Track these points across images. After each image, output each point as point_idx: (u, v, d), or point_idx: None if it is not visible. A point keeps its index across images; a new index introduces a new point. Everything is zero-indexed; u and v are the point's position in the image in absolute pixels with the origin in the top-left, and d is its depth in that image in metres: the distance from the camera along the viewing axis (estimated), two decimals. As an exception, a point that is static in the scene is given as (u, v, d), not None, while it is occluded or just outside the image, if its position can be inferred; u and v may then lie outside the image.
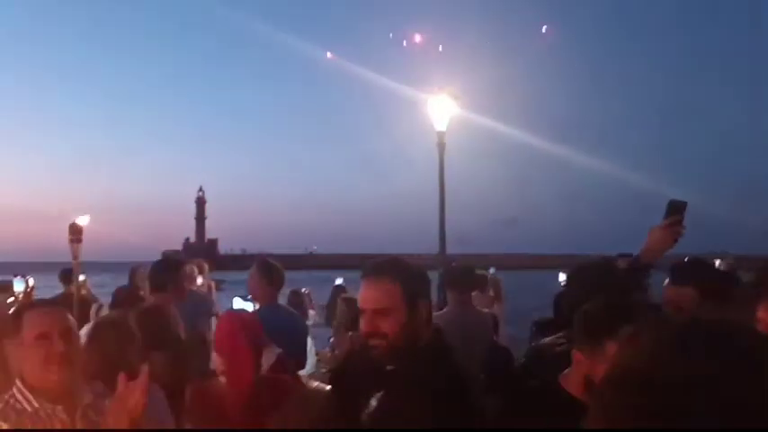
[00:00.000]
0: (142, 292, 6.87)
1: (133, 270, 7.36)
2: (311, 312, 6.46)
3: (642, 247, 2.55)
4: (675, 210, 2.51)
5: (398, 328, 1.83)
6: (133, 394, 1.71)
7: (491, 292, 6.64)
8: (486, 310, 4.66)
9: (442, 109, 9.48)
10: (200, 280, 7.27)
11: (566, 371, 1.89)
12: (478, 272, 6.26)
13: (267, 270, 3.90)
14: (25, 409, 1.94)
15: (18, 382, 1.98)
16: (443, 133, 9.43)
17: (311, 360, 4.71)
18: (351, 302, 4.95)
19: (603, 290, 2.17)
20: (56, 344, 1.91)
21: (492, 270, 9.16)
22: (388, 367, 1.88)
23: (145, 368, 1.77)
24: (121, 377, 1.75)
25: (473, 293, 4.58)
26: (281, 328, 3.75)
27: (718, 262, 6.87)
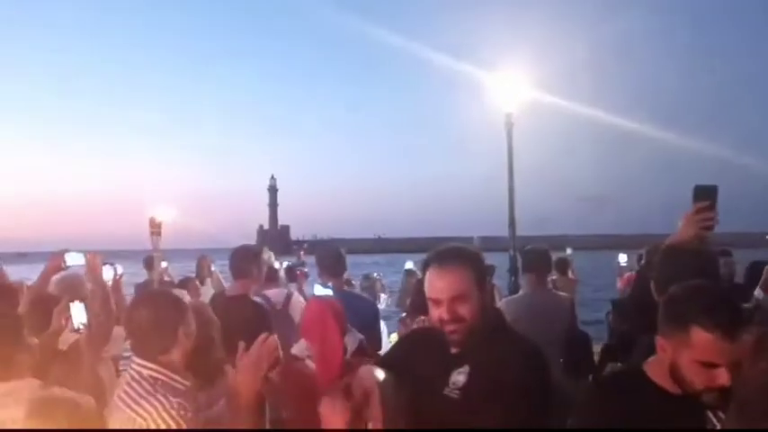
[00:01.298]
0: (208, 280, 7.20)
1: (199, 260, 7.69)
2: (383, 297, 6.49)
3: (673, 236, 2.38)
4: (703, 196, 2.28)
5: (475, 311, 1.90)
6: (261, 357, 1.90)
7: (571, 275, 6.49)
8: (563, 294, 4.55)
9: (510, 90, 9.32)
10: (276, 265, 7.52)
11: (650, 358, 1.85)
12: (559, 255, 6.15)
13: (326, 258, 3.97)
14: (179, 388, 2.11)
15: (151, 364, 2.11)
16: (511, 114, 9.28)
17: (385, 344, 4.75)
18: (421, 284, 4.93)
19: (694, 273, 2.07)
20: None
21: (569, 251, 8.94)
22: (453, 350, 1.94)
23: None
24: (240, 345, 1.94)
25: (554, 277, 4.52)
26: (352, 312, 3.82)
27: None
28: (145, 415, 1.99)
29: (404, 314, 4.90)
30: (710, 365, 1.63)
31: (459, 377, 1.89)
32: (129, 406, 2.03)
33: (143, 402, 2.02)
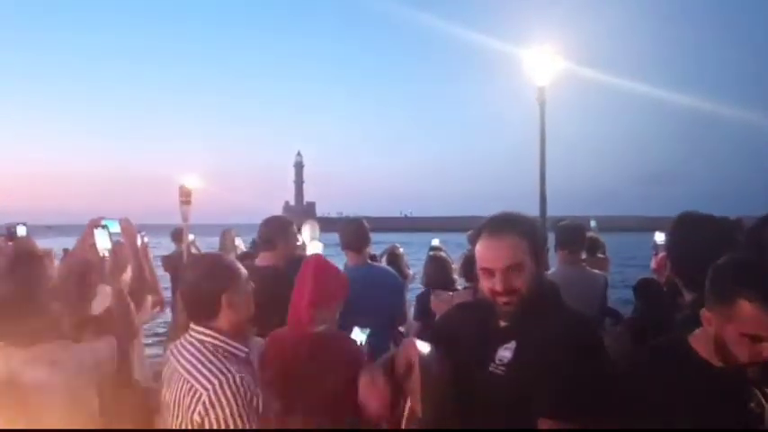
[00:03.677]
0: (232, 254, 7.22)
1: (223, 233, 7.70)
2: (410, 273, 6.43)
3: None
4: None
5: (530, 282, 1.84)
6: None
7: (600, 254, 6.35)
8: (597, 271, 4.46)
9: (543, 64, 9.11)
10: (300, 239, 7.50)
11: (696, 331, 1.81)
12: (591, 234, 6.00)
13: (349, 232, 3.92)
14: (239, 355, 2.10)
15: (209, 330, 2.09)
16: (544, 88, 9.08)
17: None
18: (437, 260, 4.91)
19: (730, 246, 2.07)
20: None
21: (593, 224, 8.73)
22: (502, 323, 1.88)
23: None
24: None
25: (584, 257, 4.43)
26: (378, 285, 3.78)
27: None
28: (207, 386, 1.95)
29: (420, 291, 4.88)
30: (757, 339, 1.60)
31: (505, 353, 1.84)
32: (190, 373, 2.00)
33: (205, 372, 1.99)
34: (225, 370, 1.98)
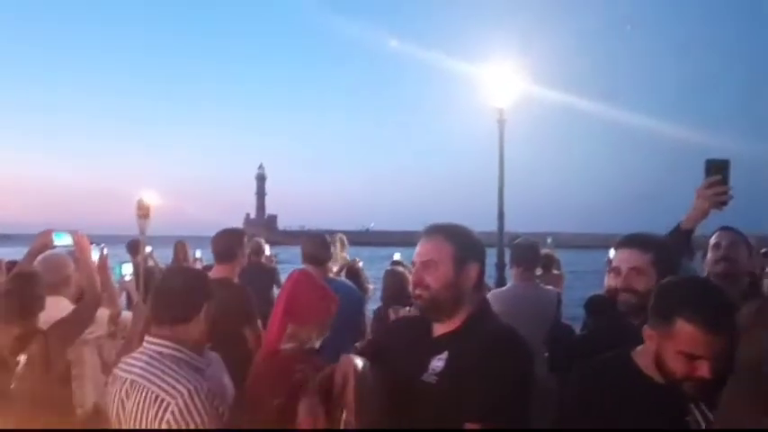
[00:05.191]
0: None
1: (176, 245, 7.68)
2: (369, 288, 6.46)
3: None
4: (714, 169, 2.27)
5: (442, 282, 1.93)
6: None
7: (555, 271, 6.50)
8: (550, 288, 4.58)
9: (502, 85, 9.31)
10: (267, 251, 7.56)
11: (639, 347, 1.89)
12: (546, 251, 6.13)
13: (310, 246, 3.95)
14: (200, 367, 2.12)
15: (170, 342, 2.09)
16: (503, 110, 9.27)
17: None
18: (395, 275, 4.97)
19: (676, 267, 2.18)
20: None
21: (549, 240, 8.96)
22: (435, 336, 1.98)
23: None
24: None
25: (539, 273, 4.53)
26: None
27: None
28: (174, 393, 1.94)
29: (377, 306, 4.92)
30: (693, 357, 1.68)
31: (438, 363, 1.91)
32: (153, 383, 1.98)
33: (171, 381, 1.97)
34: (192, 379, 1.98)
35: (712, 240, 3.08)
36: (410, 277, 2.08)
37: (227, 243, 3.92)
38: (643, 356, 1.86)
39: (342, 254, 7.63)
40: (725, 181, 2.27)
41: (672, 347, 1.72)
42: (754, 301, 1.78)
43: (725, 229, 3.08)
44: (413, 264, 2.02)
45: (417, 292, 1.96)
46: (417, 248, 2.01)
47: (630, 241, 2.35)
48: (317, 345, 2.46)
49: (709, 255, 3.06)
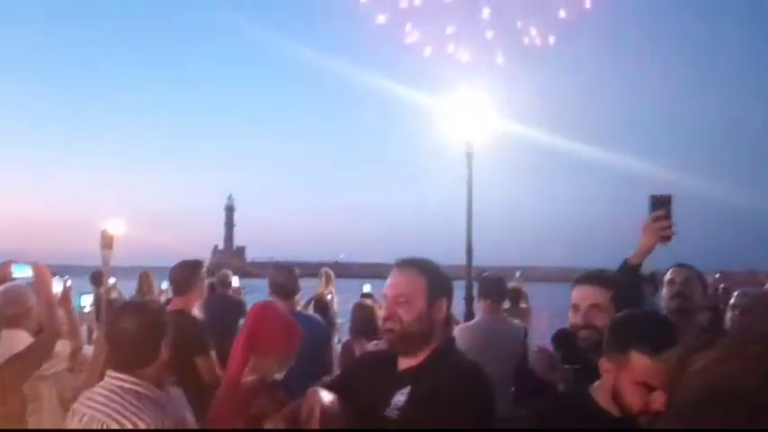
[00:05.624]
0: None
1: (141, 276, 7.61)
2: (338, 321, 6.44)
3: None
4: (658, 205, 2.31)
5: (414, 317, 1.93)
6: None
7: (523, 304, 6.56)
8: (517, 322, 4.62)
9: (471, 118, 9.46)
10: (235, 282, 7.53)
11: (597, 381, 1.91)
12: (510, 284, 6.19)
13: (278, 278, 3.94)
14: (161, 402, 2.08)
15: (131, 377, 2.06)
16: (471, 143, 9.41)
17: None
18: (364, 308, 4.96)
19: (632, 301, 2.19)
20: None
21: (518, 274, 9.06)
22: (399, 370, 1.98)
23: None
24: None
25: (506, 306, 4.56)
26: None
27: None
28: (141, 425, 1.93)
29: (345, 339, 4.91)
30: (648, 387, 1.70)
31: (400, 397, 1.91)
32: (113, 418, 1.96)
33: (132, 417, 1.95)
34: (153, 415, 1.97)
35: (667, 277, 3.17)
36: (379, 310, 2.07)
37: (181, 275, 3.92)
38: (601, 391, 1.87)
39: (328, 287, 7.63)
40: (668, 215, 2.31)
41: (628, 379, 1.75)
42: (701, 338, 1.81)
43: (679, 265, 3.17)
44: (384, 297, 2.01)
45: (389, 325, 1.95)
46: (389, 281, 2.00)
47: (588, 278, 2.41)
48: (280, 377, 2.44)
49: (665, 291, 3.14)
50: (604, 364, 1.84)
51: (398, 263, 2.03)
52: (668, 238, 2.32)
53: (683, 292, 3.05)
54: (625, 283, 2.38)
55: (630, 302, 2.13)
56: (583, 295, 2.38)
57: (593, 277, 2.40)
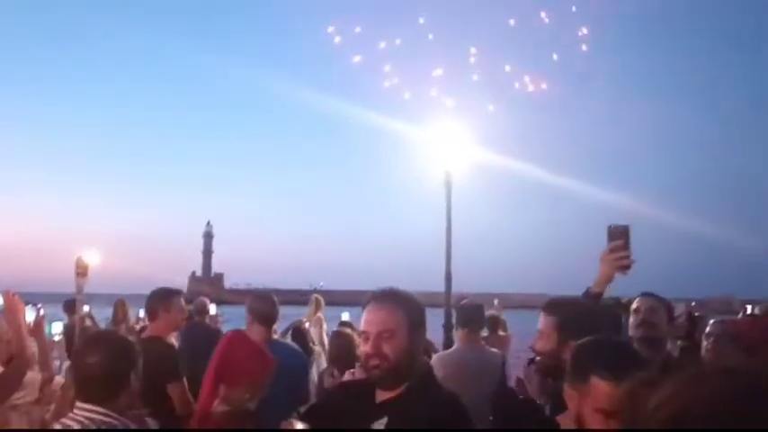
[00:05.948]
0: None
1: (116, 304, 7.53)
2: (315, 349, 6.38)
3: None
4: (615, 235, 2.35)
5: (400, 351, 1.92)
6: None
7: (501, 332, 6.56)
8: (495, 350, 4.62)
9: (450, 147, 9.57)
10: (213, 310, 7.47)
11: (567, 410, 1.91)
12: (489, 312, 6.20)
13: (257, 305, 3.92)
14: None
15: (101, 408, 2.03)
16: (450, 172, 9.51)
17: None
18: (342, 336, 4.93)
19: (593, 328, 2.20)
20: None
21: (496, 302, 9.10)
22: (378, 400, 1.96)
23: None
24: None
25: (485, 335, 4.56)
26: (279, 363, 3.73)
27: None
28: None
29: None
30: (609, 414, 1.69)
31: (378, 428, 1.90)
32: None
33: None
34: None
35: (633, 305, 3.21)
36: (357, 340, 2.06)
37: (151, 301, 3.92)
38: (567, 419, 1.88)
39: (318, 314, 7.59)
40: (626, 246, 2.34)
41: (590, 405, 1.75)
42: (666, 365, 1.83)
43: (645, 294, 3.21)
44: (363, 332, 1.99)
45: (375, 362, 1.92)
46: (368, 316, 1.98)
47: (544, 305, 2.45)
48: (253, 406, 2.41)
49: (631, 319, 3.18)
50: (568, 391, 1.84)
51: (376, 297, 2.01)
52: (627, 268, 2.36)
53: (648, 320, 3.08)
54: (581, 311, 2.40)
55: (585, 330, 2.15)
56: (540, 321, 2.41)
57: (546, 304, 2.44)
